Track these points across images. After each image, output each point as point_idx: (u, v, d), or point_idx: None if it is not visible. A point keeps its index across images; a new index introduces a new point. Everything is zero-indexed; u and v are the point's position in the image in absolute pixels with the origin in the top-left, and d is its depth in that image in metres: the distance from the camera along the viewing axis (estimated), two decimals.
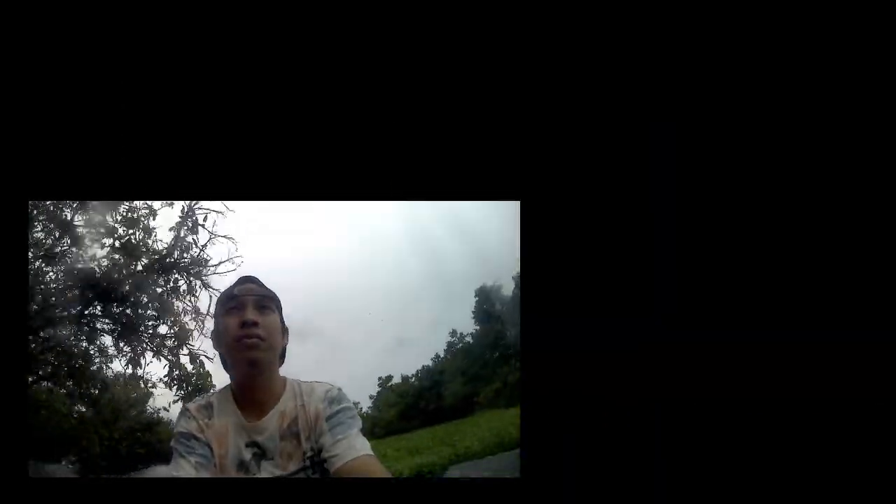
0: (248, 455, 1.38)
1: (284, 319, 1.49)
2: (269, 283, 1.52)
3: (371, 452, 1.31)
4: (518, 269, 1.56)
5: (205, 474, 1.33)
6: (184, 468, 1.33)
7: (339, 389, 1.44)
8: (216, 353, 1.48)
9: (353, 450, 1.30)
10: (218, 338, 1.44)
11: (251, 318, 1.37)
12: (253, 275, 1.48)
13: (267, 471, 1.36)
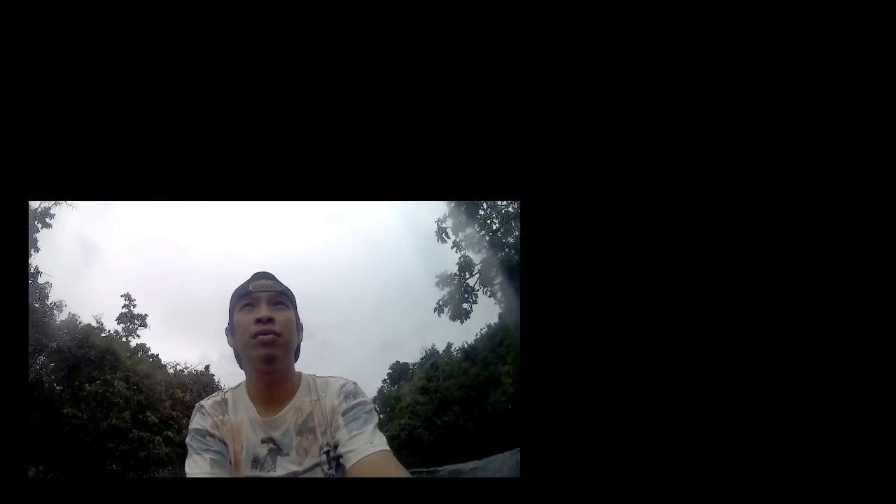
0: (263, 451, 1.37)
1: (299, 315, 1.47)
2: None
3: (387, 448, 1.29)
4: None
5: (220, 470, 1.32)
6: (199, 465, 1.32)
7: (355, 384, 1.43)
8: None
9: (370, 445, 1.29)
10: (232, 334, 1.43)
11: (266, 314, 1.36)
12: (267, 270, 1.47)
13: (283, 466, 1.36)
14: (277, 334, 1.36)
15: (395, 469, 1.26)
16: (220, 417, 1.39)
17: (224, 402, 1.42)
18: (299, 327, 1.46)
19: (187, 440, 1.38)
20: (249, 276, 1.45)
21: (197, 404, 1.44)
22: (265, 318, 1.36)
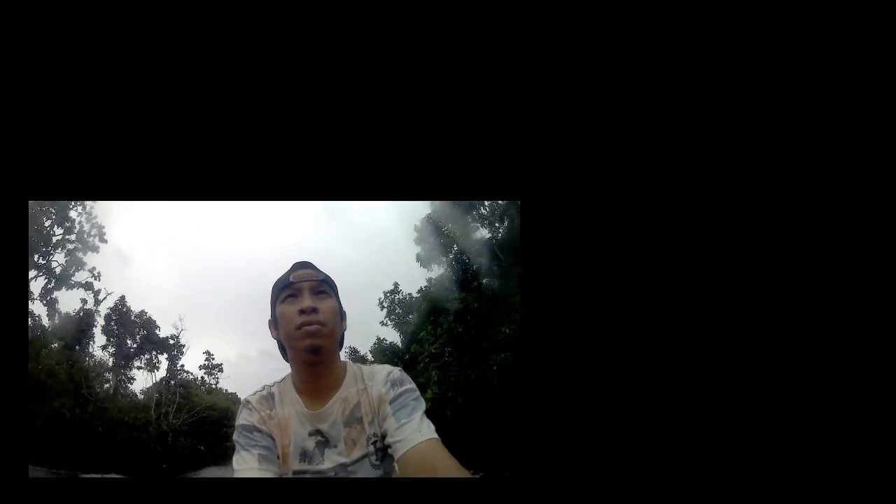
0: (311, 444, 1.36)
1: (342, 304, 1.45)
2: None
3: (436, 436, 1.27)
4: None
5: (269, 465, 1.31)
6: (247, 461, 1.30)
7: (401, 371, 1.41)
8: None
9: (419, 434, 1.26)
10: (275, 327, 1.41)
11: (310, 304, 1.35)
12: (308, 260, 1.45)
13: (331, 459, 1.35)
14: (322, 324, 1.34)
15: (444, 456, 1.23)
16: (267, 412, 1.37)
17: (270, 396, 1.40)
18: (342, 315, 1.44)
19: (234, 437, 1.36)
20: (290, 267, 1.44)
21: (243, 400, 1.42)
22: (309, 309, 1.34)
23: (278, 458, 1.34)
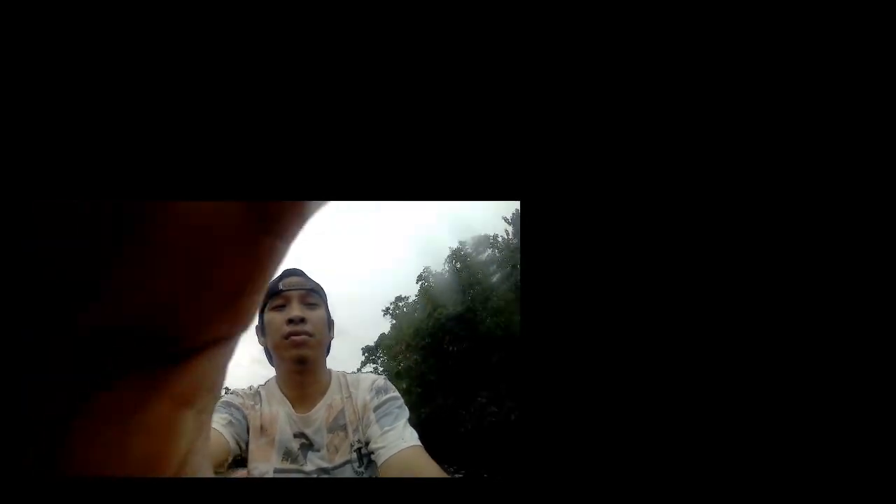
0: (295, 445, 1.37)
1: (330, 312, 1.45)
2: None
3: (419, 444, 1.28)
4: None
5: (233, 433, 1.32)
6: (215, 420, 1.31)
7: (385, 379, 1.42)
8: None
9: (402, 441, 1.28)
10: (263, 333, 1.42)
11: (298, 314, 1.35)
12: (297, 267, 1.45)
13: (313, 462, 1.36)
14: (310, 335, 1.35)
15: (426, 463, 1.25)
16: (251, 403, 1.39)
17: (257, 394, 1.42)
18: (330, 324, 1.45)
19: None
20: (279, 274, 1.44)
21: (231, 390, 1.43)
22: (297, 319, 1.35)
23: (245, 444, 1.35)
